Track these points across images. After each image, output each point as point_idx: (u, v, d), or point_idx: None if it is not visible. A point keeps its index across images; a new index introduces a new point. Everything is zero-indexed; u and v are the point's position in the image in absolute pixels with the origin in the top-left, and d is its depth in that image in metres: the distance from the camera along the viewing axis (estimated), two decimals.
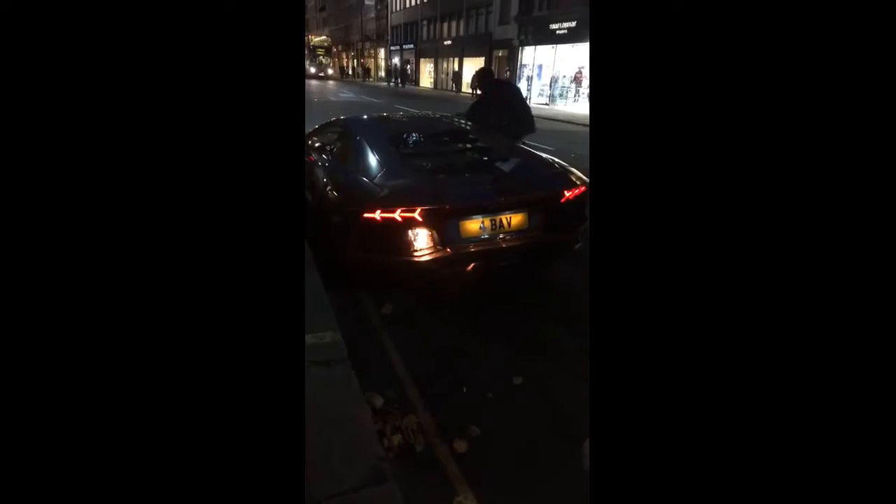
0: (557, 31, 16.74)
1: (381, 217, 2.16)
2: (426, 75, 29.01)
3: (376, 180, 2.42)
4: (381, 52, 35.33)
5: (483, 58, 21.39)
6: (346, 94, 19.21)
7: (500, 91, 3.85)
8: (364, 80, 33.87)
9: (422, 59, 29.24)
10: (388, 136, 2.88)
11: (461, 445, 1.61)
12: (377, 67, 35.72)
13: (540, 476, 1.49)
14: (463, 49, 23.73)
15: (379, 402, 1.78)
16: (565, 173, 2.67)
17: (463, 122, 3.47)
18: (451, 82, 24.79)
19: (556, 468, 1.50)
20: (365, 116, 3.69)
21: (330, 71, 36.11)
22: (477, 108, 3.73)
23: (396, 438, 1.63)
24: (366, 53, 37.82)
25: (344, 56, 41.80)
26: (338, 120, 3.56)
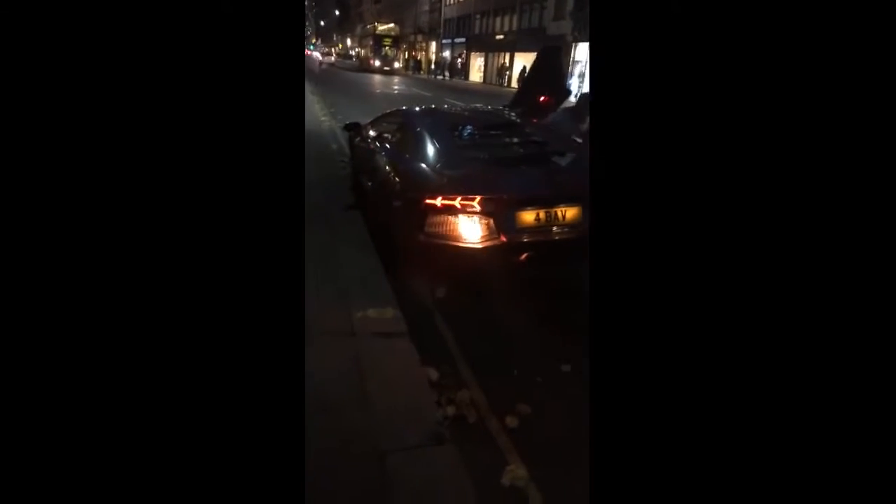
0: None
1: (442, 204, 2.27)
2: (476, 70, 28.95)
3: (437, 169, 2.53)
4: (433, 46, 35.44)
5: (535, 53, 21.14)
6: (400, 87, 19.53)
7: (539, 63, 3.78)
8: (415, 73, 33.69)
9: (473, 53, 29.19)
10: (446, 127, 2.98)
11: (512, 421, 1.70)
12: (428, 61, 35.59)
13: (587, 455, 1.56)
14: (515, 44, 23.51)
15: (434, 375, 1.90)
16: None
17: (511, 114, 3.53)
18: (498, 77, 24.57)
19: None
20: (424, 108, 3.81)
21: (397, 64, 30.26)
22: (520, 90, 3.77)
23: (451, 409, 1.75)
24: (417, 46, 38.04)
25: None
26: (397, 111, 3.69)
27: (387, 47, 29.53)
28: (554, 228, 2.43)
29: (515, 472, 1.47)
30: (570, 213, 2.44)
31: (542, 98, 3.68)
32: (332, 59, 42.71)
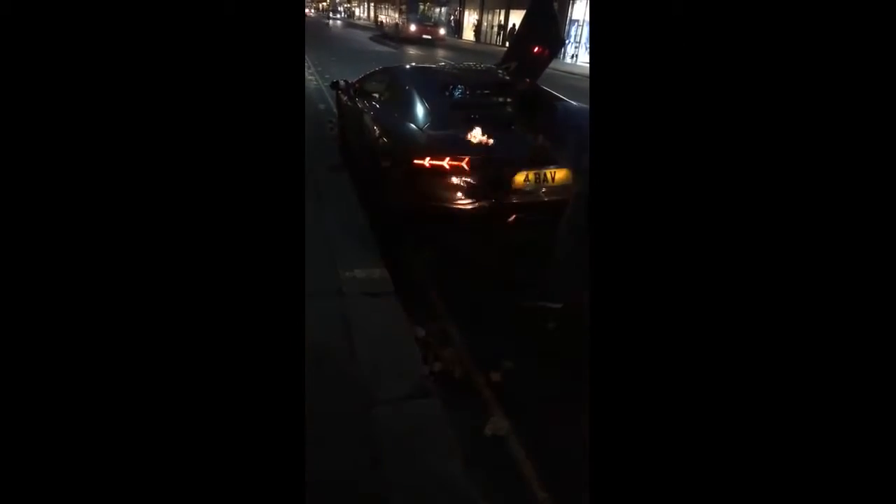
0: None
1: (430, 164, 2.25)
2: (469, 27, 27.95)
3: (426, 129, 2.49)
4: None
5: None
6: (385, 48, 18.85)
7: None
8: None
9: (467, 11, 28.11)
10: (436, 86, 2.92)
11: (496, 376, 1.76)
12: None
13: (568, 409, 1.63)
14: (510, 0, 22.63)
15: (421, 333, 1.94)
16: None
17: (503, 73, 3.43)
18: (475, 34, 22.86)
19: (582, 405, 1.63)
20: (414, 66, 3.71)
21: (442, 31, 20.26)
22: (512, 43, 3.59)
23: (437, 365, 1.80)
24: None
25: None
26: (386, 69, 3.59)
27: (425, 6, 19.84)
28: (543, 190, 2.43)
29: (497, 423, 1.53)
30: (559, 174, 2.43)
31: (535, 49, 3.52)
32: (311, 13, 36.23)
